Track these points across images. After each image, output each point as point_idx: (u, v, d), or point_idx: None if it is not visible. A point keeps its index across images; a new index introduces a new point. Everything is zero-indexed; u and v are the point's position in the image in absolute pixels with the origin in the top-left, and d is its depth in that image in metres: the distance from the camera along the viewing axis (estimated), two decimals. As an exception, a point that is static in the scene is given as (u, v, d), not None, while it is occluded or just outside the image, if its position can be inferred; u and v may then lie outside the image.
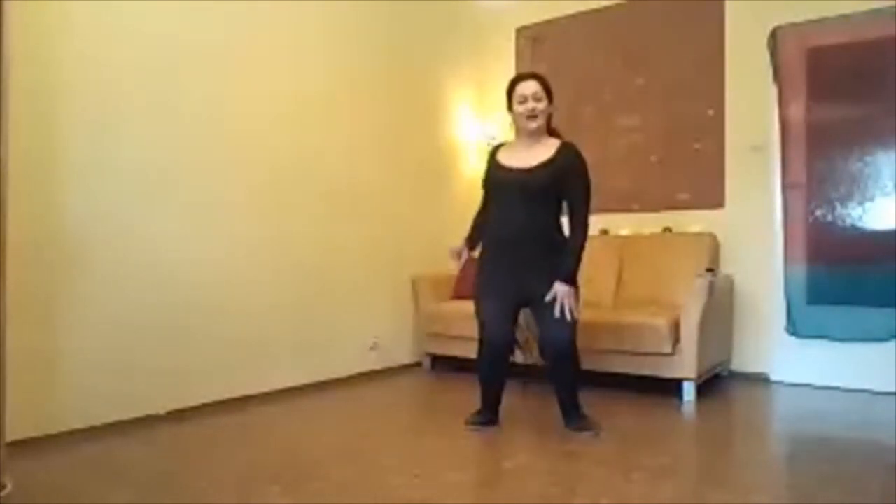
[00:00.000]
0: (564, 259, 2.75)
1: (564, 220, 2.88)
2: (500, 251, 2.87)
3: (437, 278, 4.49)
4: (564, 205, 2.86)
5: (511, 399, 3.15)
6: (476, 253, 3.06)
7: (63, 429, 2.74)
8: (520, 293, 2.83)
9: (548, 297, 2.71)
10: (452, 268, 3.04)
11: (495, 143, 3.27)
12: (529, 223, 2.79)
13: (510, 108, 2.91)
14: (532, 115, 2.82)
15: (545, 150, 2.84)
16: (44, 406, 2.70)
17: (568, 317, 2.71)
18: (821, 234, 3.83)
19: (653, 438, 2.84)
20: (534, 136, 2.86)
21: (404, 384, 4.09)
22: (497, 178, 2.91)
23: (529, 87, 2.84)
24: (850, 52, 3.74)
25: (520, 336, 3.06)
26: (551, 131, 2.94)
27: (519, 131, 2.92)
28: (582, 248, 2.76)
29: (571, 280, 2.75)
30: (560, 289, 2.71)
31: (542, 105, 2.83)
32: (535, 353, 3.00)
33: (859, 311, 3.65)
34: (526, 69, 4.12)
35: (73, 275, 2.81)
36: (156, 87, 3.11)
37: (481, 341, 2.89)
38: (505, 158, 2.92)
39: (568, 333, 2.73)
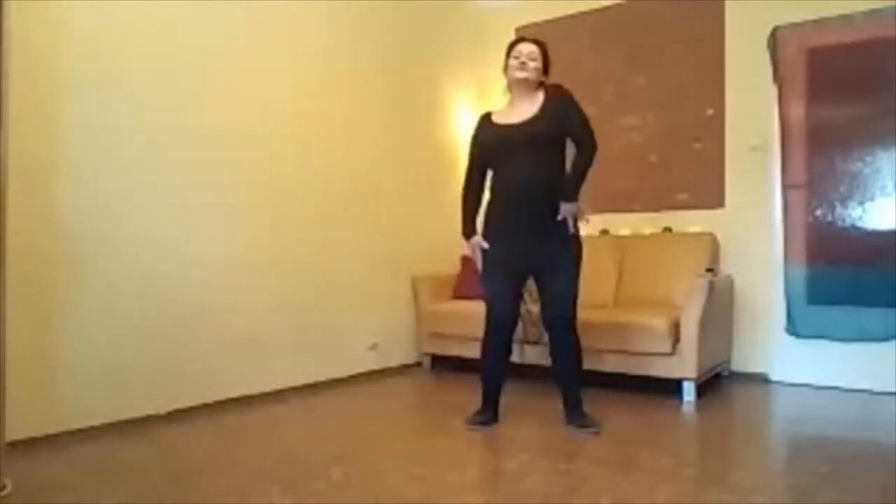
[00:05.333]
0: (567, 180, 2.81)
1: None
2: (507, 218, 2.84)
3: (437, 278, 4.50)
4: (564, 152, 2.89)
5: (512, 398, 3.15)
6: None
7: (63, 429, 2.74)
8: (526, 262, 2.85)
9: (559, 217, 2.78)
10: (477, 260, 2.96)
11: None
12: (538, 177, 2.79)
13: (506, 67, 2.92)
14: (522, 67, 2.84)
15: (536, 101, 2.86)
16: (44, 406, 2.70)
17: (571, 229, 2.81)
18: (821, 234, 3.83)
19: (653, 438, 2.84)
20: (523, 89, 2.88)
21: (404, 384, 4.09)
22: (496, 137, 2.88)
23: (527, 47, 2.89)
24: (850, 52, 3.73)
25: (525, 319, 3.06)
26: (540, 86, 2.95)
27: (510, 89, 2.94)
28: (588, 164, 2.82)
29: (573, 198, 2.81)
30: (565, 208, 2.79)
31: (533, 63, 2.86)
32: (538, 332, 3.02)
33: (859, 311, 3.65)
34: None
35: (73, 274, 2.81)
36: (155, 87, 3.11)
37: (487, 316, 2.92)
38: (498, 118, 2.93)
39: (570, 308, 2.83)
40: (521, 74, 2.85)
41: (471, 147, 3.03)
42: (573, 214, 2.83)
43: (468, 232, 2.99)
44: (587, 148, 2.82)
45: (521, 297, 2.96)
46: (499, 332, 2.92)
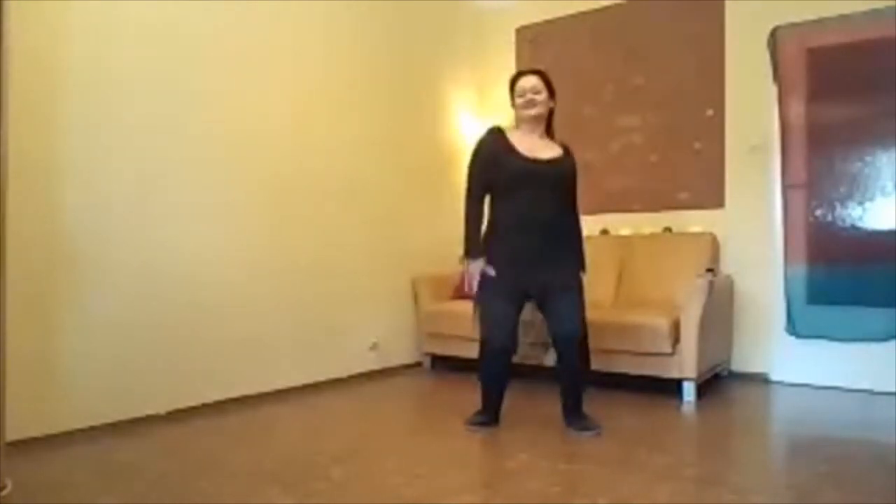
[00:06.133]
0: (581, 253, 2.99)
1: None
2: (523, 246, 2.79)
3: (437, 278, 4.50)
4: None
5: (511, 399, 3.14)
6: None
7: (63, 429, 2.74)
8: (532, 288, 2.83)
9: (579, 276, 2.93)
10: (474, 284, 2.88)
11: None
12: (560, 213, 2.85)
13: (513, 104, 2.95)
14: (530, 104, 2.86)
15: (554, 147, 2.92)
16: (44, 406, 2.70)
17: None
18: (821, 234, 3.83)
19: (653, 438, 2.84)
20: (534, 125, 2.90)
21: (404, 384, 4.09)
22: (520, 167, 2.79)
23: (528, 82, 2.89)
24: (850, 52, 3.74)
25: (528, 335, 3.04)
26: (549, 133, 2.98)
27: (520, 123, 2.94)
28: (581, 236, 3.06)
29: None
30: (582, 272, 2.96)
31: (540, 97, 2.87)
32: (540, 355, 3.03)
33: (859, 311, 3.65)
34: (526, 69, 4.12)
35: (73, 274, 2.81)
36: (156, 87, 3.11)
37: (484, 343, 2.88)
38: (518, 145, 2.83)
39: (583, 321, 2.83)
40: (531, 112, 2.86)
41: (478, 160, 2.89)
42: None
43: (476, 252, 2.85)
44: (578, 220, 3.01)
45: (518, 321, 2.89)
46: (499, 359, 2.88)
